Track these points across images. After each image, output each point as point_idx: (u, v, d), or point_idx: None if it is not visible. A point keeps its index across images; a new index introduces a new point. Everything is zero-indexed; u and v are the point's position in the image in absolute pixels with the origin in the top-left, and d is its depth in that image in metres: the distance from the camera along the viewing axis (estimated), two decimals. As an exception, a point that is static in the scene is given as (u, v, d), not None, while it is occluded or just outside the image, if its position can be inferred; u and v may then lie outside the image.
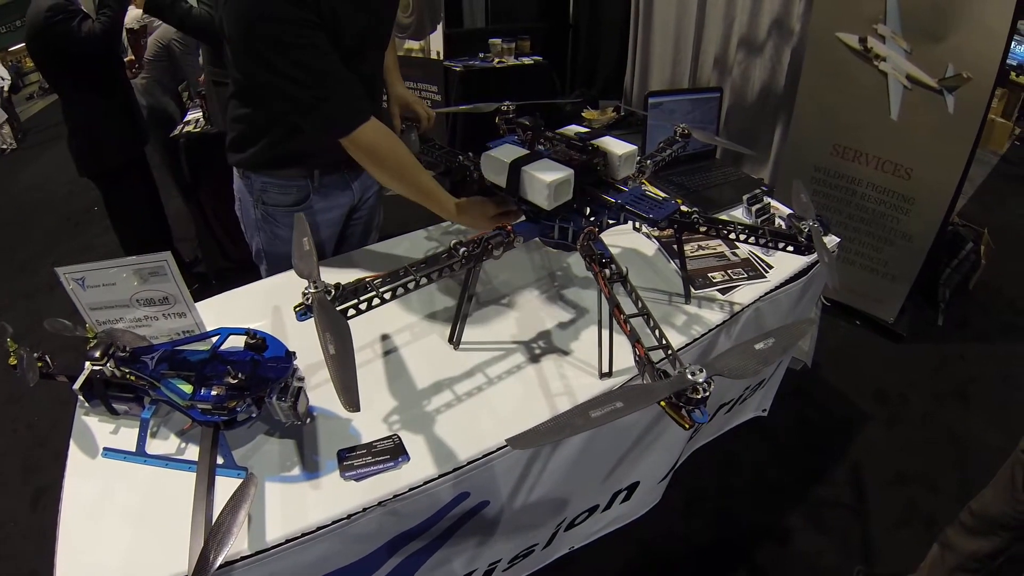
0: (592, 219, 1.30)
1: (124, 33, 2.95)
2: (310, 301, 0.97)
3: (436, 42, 4.15)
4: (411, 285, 1.08)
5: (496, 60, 4.34)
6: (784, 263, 1.67)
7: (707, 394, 0.85)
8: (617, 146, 1.36)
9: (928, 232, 2.86)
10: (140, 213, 3.16)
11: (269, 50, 1.27)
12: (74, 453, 1.12)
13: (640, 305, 1.09)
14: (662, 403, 0.87)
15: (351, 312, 1.02)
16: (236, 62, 1.43)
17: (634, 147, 1.37)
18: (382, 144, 1.41)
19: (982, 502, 1.69)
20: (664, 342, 1.03)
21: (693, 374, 0.85)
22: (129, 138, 2.96)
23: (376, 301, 1.05)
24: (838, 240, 1.82)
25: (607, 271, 1.13)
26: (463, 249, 1.13)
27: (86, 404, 1.17)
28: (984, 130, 2.74)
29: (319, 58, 1.30)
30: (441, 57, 4.17)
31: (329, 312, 0.95)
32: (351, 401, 0.83)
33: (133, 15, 3.09)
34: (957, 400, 2.81)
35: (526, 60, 4.42)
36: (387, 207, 1.97)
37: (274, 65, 1.28)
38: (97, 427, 1.17)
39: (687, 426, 0.86)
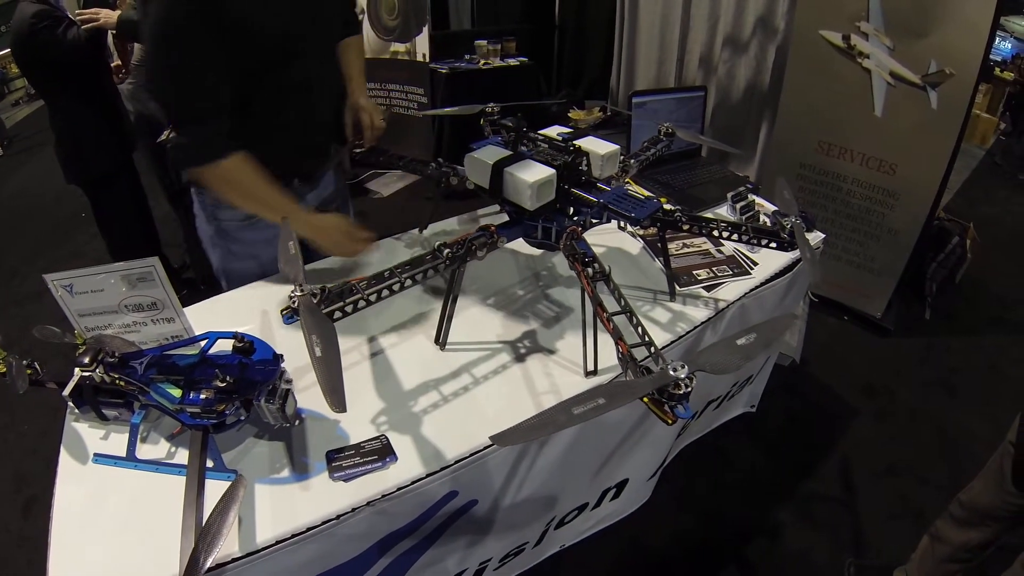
0: (575, 219, 1.31)
1: (111, 38, 2.93)
2: (296, 304, 0.98)
3: (422, 44, 4.16)
4: (396, 287, 1.09)
5: (482, 62, 4.36)
6: (769, 260, 1.68)
7: (689, 390, 0.86)
8: (599, 146, 1.37)
9: (914, 227, 2.88)
10: (128, 219, 3.14)
11: (155, 70, 1.32)
12: (64, 459, 1.12)
13: (623, 303, 1.11)
14: (645, 399, 0.88)
15: (337, 314, 1.03)
16: None
17: (616, 147, 1.38)
18: (228, 184, 1.42)
19: (971, 494, 1.71)
20: (647, 339, 1.05)
21: (675, 370, 0.86)
22: (116, 144, 2.94)
23: (361, 303, 1.06)
24: (823, 236, 1.84)
25: (590, 270, 1.14)
26: (447, 250, 1.14)
27: (76, 410, 1.17)
28: (969, 125, 2.77)
29: (194, 87, 1.31)
30: (427, 59, 4.17)
31: (315, 315, 0.96)
32: (337, 402, 0.84)
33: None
34: (945, 393, 2.83)
35: (512, 61, 4.44)
36: (373, 210, 1.98)
37: (152, 86, 1.31)
38: (87, 433, 1.17)
39: (670, 422, 0.88)
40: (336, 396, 0.85)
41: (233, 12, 1.25)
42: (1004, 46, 7.67)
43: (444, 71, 4.20)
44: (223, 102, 1.34)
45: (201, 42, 1.26)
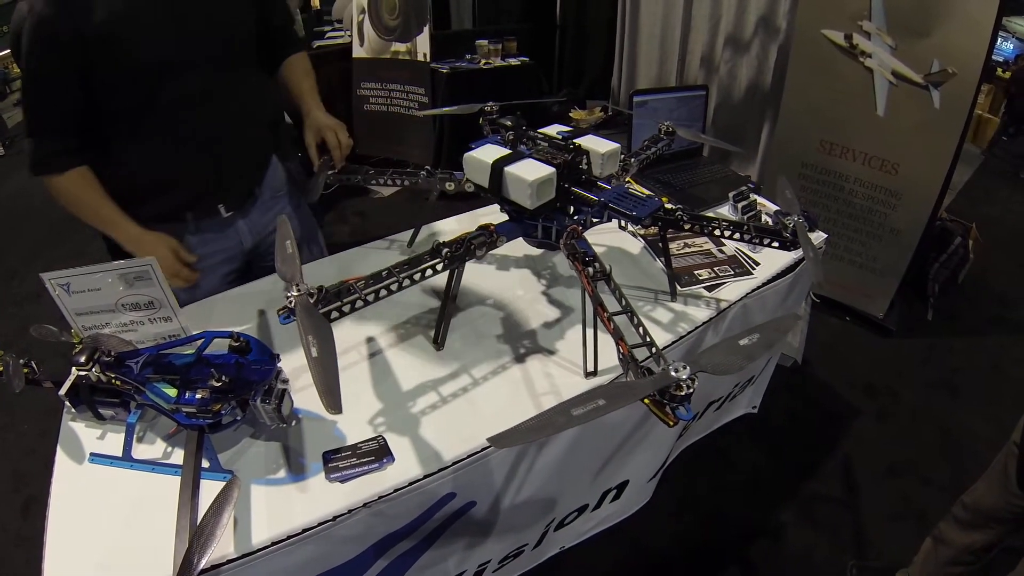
0: (575, 218, 1.30)
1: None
2: (293, 304, 0.97)
3: (422, 44, 4.14)
4: (394, 287, 1.08)
5: (483, 61, 4.35)
6: (771, 259, 1.67)
7: (691, 391, 0.85)
8: (599, 144, 1.36)
9: (916, 227, 2.87)
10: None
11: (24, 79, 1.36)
12: (61, 459, 1.12)
13: (624, 303, 1.10)
14: (646, 400, 0.87)
15: (334, 315, 1.02)
16: None
17: (616, 145, 1.37)
18: (62, 198, 1.46)
19: (975, 495, 1.70)
20: (648, 339, 1.04)
21: (676, 371, 0.85)
22: None
23: (359, 303, 1.05)
24: (825, 236, 1.83)
25: (590, 269, 1.13)
26: (445, 250, 1.13)
27: (73, 410, 1.16)
28: (971, 126, 2.76)
29: (39, 102, 1.37)
30: (428, 59, 4.16)
31: (311, 315, 0.95)
32: (333, 403, 0.83)
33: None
34: (947, 393, 2.82)
35: (513, 61, 4.42)
36: (372, 209, 1.97)
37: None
38: (84, 433, 1.16)
39: (671, 423, 0.86)
40: (332, 397, 0.84)
41: (94, 28, 1.27)
42: (1006, 47, 7.65)
43: (445, 71, 4.19)
44: (68, 119, 1.38)
45: (49, 59, 1.30)
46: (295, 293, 0.98)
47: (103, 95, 1.37)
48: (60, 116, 1.37)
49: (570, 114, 3.68)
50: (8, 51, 2.78)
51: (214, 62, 1.46)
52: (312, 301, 0.98)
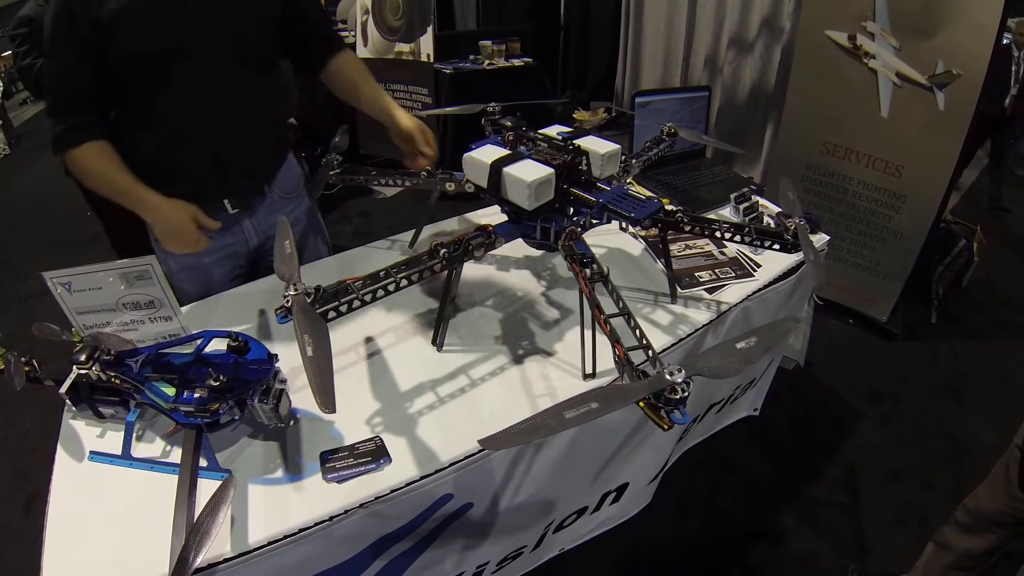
0: (575, 219, 1.30)
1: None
2: (290, 304, 0.97)
3: (426, 44, 4.15)
4: (391, 287, 1.08)
5: (486, 62, 4.35)
6: (773, 262, 1.66)
7: (686, 394, 0.85)
8: (599, 145, 1.36)
9: (920, 230, 2.86)
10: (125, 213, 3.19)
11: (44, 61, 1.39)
12: (61, 457, 1.12)
13: (621, 305, 1.09)
14: (640, 404, 0.87)
15: (332, 315, 1.02)
16: None
17: (617, 146, 1.37)
18: (82, 171, 1.46)
19: (977, 500, 1.69)
20: (644, 342, 1.03)
21: (672, 374, 0.85)
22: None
23: (357, 303, 1.05)
24: (828, 238, 1.82)
25: (588, 271, 1.13)
26: (443, 250, 1.13)
27: (73, 408, 1.17)
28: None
29: (57, 79, 1.39)
30: (431, 60, 4.17)
31: (308, 314, 0.95)
32: (327, 403, 0.84)
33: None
34: (951, 397, 2.81)
35: (516, 62, 4.43)
36: (375, 209, 1.97)
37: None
38: (84, 431, 1.17)
39: (665, 427, 0.86)
40: (326, 396, 0.84)
41: (106, 14, 1.31)
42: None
43: (448, 71, 4.20)
44: (86, 98, 1.40)
45: (67, 42, 1.34)
46: (292, 293, 0.98)
47: (114, 81, 1.40)
48: (78, 95, 1.39)
49: (574, 115, 3.68)
50: (10, 52, 2.82)
51: (225, 58, 1.46)
52: (309, 301, 0.98)
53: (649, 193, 1.95)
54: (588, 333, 1.22)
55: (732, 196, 1.90)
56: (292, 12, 1.56)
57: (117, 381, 1.08)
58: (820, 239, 1.76)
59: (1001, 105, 4.26)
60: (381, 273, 1.08)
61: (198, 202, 1.55)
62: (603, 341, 1.17)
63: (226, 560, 0.94)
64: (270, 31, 1.55)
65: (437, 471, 1.08)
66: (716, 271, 1.64)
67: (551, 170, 1.21)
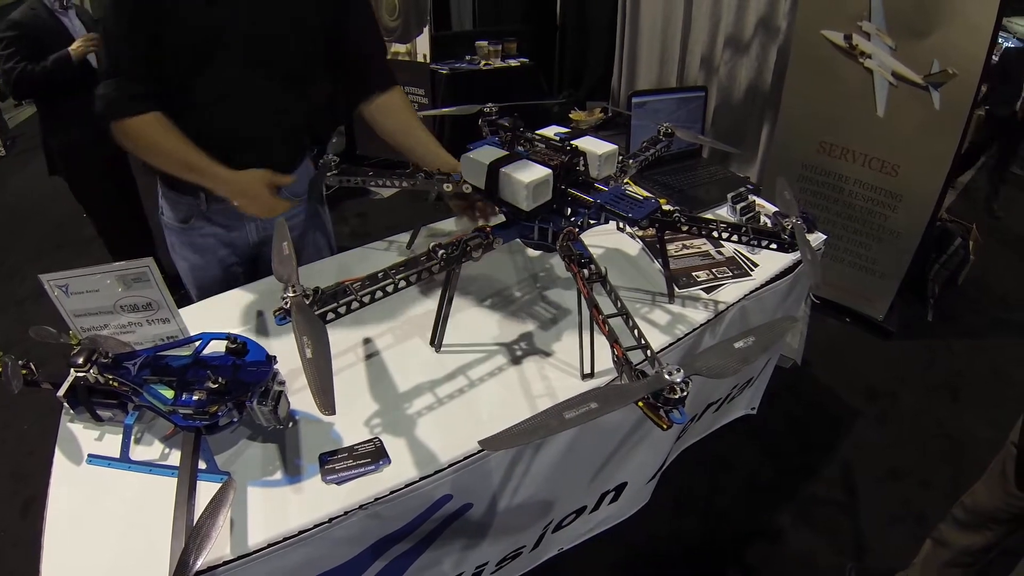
0: (572, 219, 1.30)
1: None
2: (288, 305, 0.97)
3: (422, 45, 4.16)
4: (390, 288, 1.08)
5: (483, 63, 4.36)
6: (770, 261, 1.67)
7: (684, 394, 0.85)
8: (597, 146, 1.36)
9: (916, 228, 2.87)
10: (118, 215, 3.29)
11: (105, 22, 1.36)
12: (59, 460, 1.12)
13: (619, 305, 1.09)
14: (639, 403, 0.87)
15: (330, 316, 1.02)
16: None
17: (614, 146, 1.37)
18: (140, 141, 1.41)
19: (974, 497, 1.70)
20: (643, 342, 1.04)
21: (670, 374, 0.85)
22: (91, 142, 2.99)
23: (355, 304, 1.05)
24: (824, 237, 1.83)
25: (586, 271, 1.13)
26: (442, 251, 1.13)
27: (71, 411, 1.17)
28: (971, 126, 2.76)
29: (119, 43, 1.35)
30: (427, 60, 4.17)
31: (307, 316, 0.95)
32: (326, 404, 0.84)
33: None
34: (947, 395, 2.82)
35: (513, 62, 4.43)
36: (373, 210, 1.97)
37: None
38: (82, 434, 1.17)
39: (664, 427, 0.86)
40: (325, 398, 0.84)
41: None
42: (1006, 47, 7.63)
43: (445, 72, 4.20)
44: (144, 69, 1.36)
45: (129, 9, 1.31)
46: (291, 294, 0.98)
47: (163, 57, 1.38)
48: (139, 60, 1.35)
49: (570, 115, 3.67)
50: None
51: (256, 66, 1.46)
52: (308, 302, 0.98)
53: (646, 193, 1.95)
54: (586, 333, 1.23)
55: (729, 196, 1.91)
56: (337, 35, 1.55)
57: (115, 384, 1.07)
58: (816, 238, 1.77)
59: (1012, 108, 4.26)
60: (380, 274, 1.08)
61: (204, 190, 1.56)
62: (601, 341, 1.18)
63: (226, 563, 0.94)
64: (312, 48, 1.54)
65: (436, 472, 1.08)
66: (713, 271, 1.64)
67: (549, 171, 1.21)
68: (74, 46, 2.71)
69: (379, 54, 1.71)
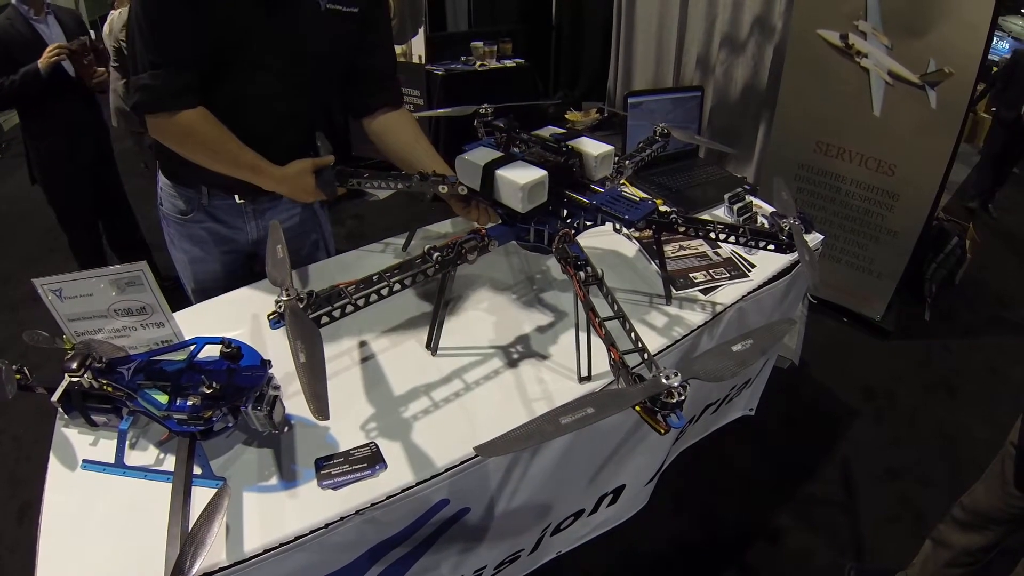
0: (568, 221, 1.29)
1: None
2: (282, 309, 0.96)
3: (418, 46, 4.15)
4: (384, 291, 1.08)
5: (478, 63, 4.35)
6: (767, 262, 1.66)
7: (682, 398, 0.84)
8: (593, 147, 1.35)
9: (913, 228, 2.87)
10: (77, 224, 3.29)
11: (136, 12, 1.29)
12: (54, 466, 1.11)
13: (616, 308, 1.09)
14: (636, 408, 0.86)
15: (324, 319, 1.01)
16: None
17: (611, 147, 1.36)
18: (189, 136, 1.39)
19: (973, 497, 1.70)
20: (640, 345, 1.03)
21: (668, 378, 0.84)
22: (62, 154, 2.99)
23: (350, 308, 1.04)
24: (821, 237, 1.83)
25: (582, 274, 1.13)
26: (436, 254, 1.13)
27: (66, 416, 1.16)
28: (968, 125, 2.76)
29: (169, 33, 1.29)
30: (423, 61, 4.17)
31: (301, 320, 0.95)
32: (320, 409, 0.83)
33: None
34: (945, 394, 2.82)
35: (508, 63, 4.43)
36: (368, 212, 1.96)
37: (134, 27, 1.30)
38: (77, 439, 1.15)
39: (662, 431, 0.86)
40: (319, 402, 0.83)
41: None
42: (1002, 46, 7.66)
43: (440, 73, 4.19)
44: (193, 59, 1.33)
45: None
46: (285, 298, 0.97)
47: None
48: (186, 52, 1.31)
49: (566, 116, 3.67)
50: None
51: (292, 76, 1.46)
52: (302, 306, 0.98)
53: (642, 194, 1.95)
54: (583, 336, 1.22)
55: (726, 196, 1.90)
56: (359, 50, 1.56)
57: (109, 389, 1.06)
58: (814, 238, 1.77)
59: (1018, 112, 4.24)
60: (374, 277, 1.08)
61: (208, 185, 1.57)
62: (598, 344, 1.17)
63: (222, 569, 0.93)
64: (339, 63, 1.55)
65: (433, 476, 1.07)
66: (711, 272, 1.64)
67: (544, 172, 1.21)
68: (42, 59, 2.66)
69: (393, 72, 1.71)
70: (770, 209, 1.88)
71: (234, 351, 1.08)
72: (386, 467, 1.07)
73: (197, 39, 1.30)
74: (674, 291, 1.54)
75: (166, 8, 1.26)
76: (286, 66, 1.43)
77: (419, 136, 1.67)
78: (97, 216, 3.32)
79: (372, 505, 1.02)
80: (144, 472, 1.07)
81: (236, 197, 1.61)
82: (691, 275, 1.62)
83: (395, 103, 1.67)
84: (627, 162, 1.56)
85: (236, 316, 1.46)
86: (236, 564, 0.94)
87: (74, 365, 1.05)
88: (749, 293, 1.59)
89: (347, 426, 1.15)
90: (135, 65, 1.34)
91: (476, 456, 1.10)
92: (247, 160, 1.42)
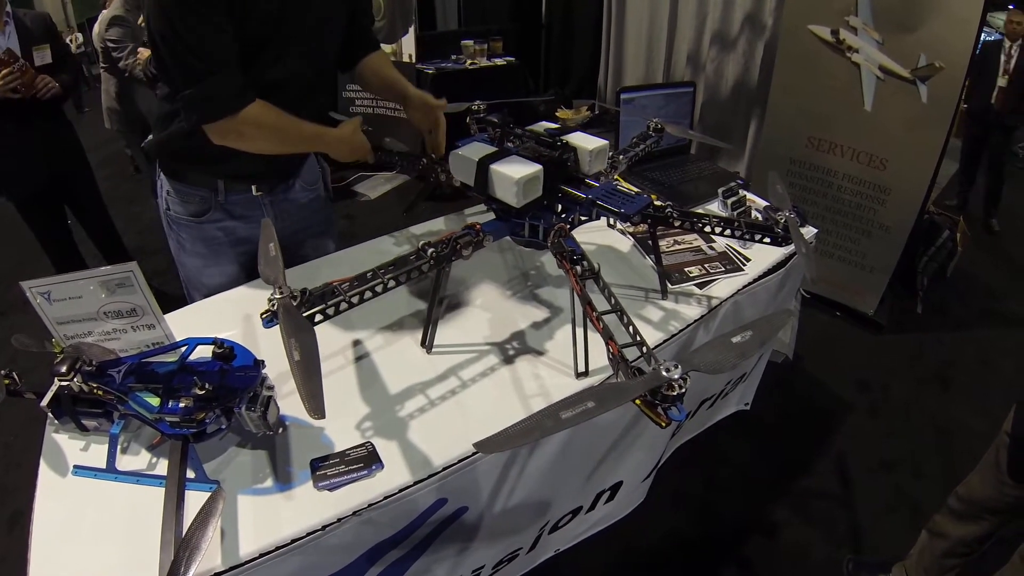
0: (563, 216, 1.28)
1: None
2: (275, 307, 0.95)
3: (408, 45, 4.14)
4: (379, 288, 1.06)
5: (469, 62, 4.34)
6: (762, 256, 1.66)
7: (683, 391, 0.84)
8: (587, 141, 1.35)
9: (905, 222, 2.88)
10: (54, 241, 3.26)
11: (165, 24, 1.26)
12: (44, 472, 1.09)
13: (613, 302, 1.08)
14: (637, 401, 0.85)
15: (318, 317, 1.00)
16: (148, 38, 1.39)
17: (605, 142, 1.36)
18: (260, 128, 1.40)
19: (968, 487, 1.70)
20: (638, 339, 1.02)
21: (668, 370, 0.84)
22: (28, 170, 2.91)
23: (344, 306, 1.03)
24: (815, 231, 1.83)
25: (578, 268, 1.12)
26: (431, 250, 1.12)
27: (56, 421, 1.14)
28: (958, 119, 2.77)
29: (214, 41, 1.29)
30: (413, 60, 4.15)
31: (294, 318, 0.93)
32: (316, 408, 0.82)
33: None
34: (938, 386, 2.83)
35: (499, 61, 4.43)
36: (360, 212, 1.95)
37: (167, 39, 1.28)
38: (67, 444, 1.14)
39: (663, 424, 0.85)
40: (314, 401, 0.82)
41: None
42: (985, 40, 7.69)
43: (431, 71, 4.18)
44: (237, 58, 1.34)
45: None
46: (278, 296, 0.96)
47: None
48: (232, 54, 1.32)
49: (556, 113, 3.67)
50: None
51: (309, 55, 1.48)
52: (295, 304, 0.96)
53: (637, 189, 1.94)
54: (580, 331, 1.21)
55: (720, 191, 1.90)
56: (354, 13, 1.61)
57: (100, 392, 1.04)
58: (808, 232, 1.77)
59: (988, 101, 4.21)
60: (368, 274, 1.07)
61: (224, 179, 1.57)
62: (594, 339, 1.16)
63: (217, 574, 0.91)
64: (341, 31, 1.59)
65: (430, 476, 1.06)
66: (706, 266, 1.63)
67: (539, 167, 1.20)
68: None
69: (373, 20, 1.80)
70: (763, 203, 1.88)
71: (227, 351, 1.06)
72: (383, 467, 1.06)
73: (236, 37, 1.32)
74: (669, 285, 1.53)
75: (204, 17, 1.26)
76: (307, 41, 1.45)
77: (394, 70, 1.81)
78: (64, 223, 3.28)
79: (369, 506, 1.01)
80: (136, 477, 1.06)
81: (253, 189, 1.62)
82: (686, 269, 1.62)
83: (376, 47, 1.77)
84: (621, 157, 1.56)
85: (228, 316, 1.45)
86: (232, 569, 0.93)
87: (63, 369, 1.03)
88: (745, 287, 1.58)
89: (342, 426, 1.14)
90: (172, 81, 1.36)
91: (473, 455, 1.09)
92: (310, 131, 1.45)
